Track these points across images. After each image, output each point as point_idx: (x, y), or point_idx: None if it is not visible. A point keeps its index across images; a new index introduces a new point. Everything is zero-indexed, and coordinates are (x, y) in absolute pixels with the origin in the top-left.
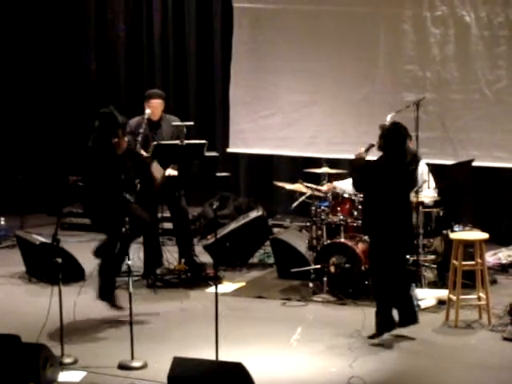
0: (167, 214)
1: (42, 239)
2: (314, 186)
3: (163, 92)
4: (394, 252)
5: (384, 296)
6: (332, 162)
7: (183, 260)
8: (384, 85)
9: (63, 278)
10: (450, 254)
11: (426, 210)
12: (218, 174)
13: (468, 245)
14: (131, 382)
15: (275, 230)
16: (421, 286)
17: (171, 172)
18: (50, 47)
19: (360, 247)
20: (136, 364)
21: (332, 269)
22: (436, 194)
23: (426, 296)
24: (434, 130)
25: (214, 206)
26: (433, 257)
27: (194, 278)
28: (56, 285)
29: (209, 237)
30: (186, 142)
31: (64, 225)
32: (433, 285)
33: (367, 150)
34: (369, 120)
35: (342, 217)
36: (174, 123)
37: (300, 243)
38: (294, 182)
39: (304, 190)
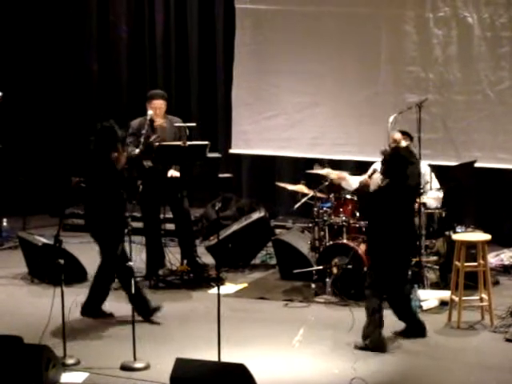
0: (169, 215)
1: (45, 240)
2: (324, 173)
3: (165, 93)
4: (396, 271)
5: (378, 310)
6: (335, 163)
7: (185, 261)
8: (386, 86)
9: (65, 279)
10: (453, 255)
11: (429, 211)
12: (221, 175)
13: (470, 246)
14: (134, 383)
15: (277, 231)
16: (423, 287)
17: (173, 173)
18: (52, 48)
19: (362, 248)
20: (138, 365)
21: (334, 270)
22: (440, 195)
23: (428, 297)
24: (436, 131)
25: (217, 207)
26: (435, 258)
27: (196, 279)
28: (58, 286)
29: (211, 238)
30: (189, 143)
31: (66, 226)
32: (435, 286)
33: (370, 176)
34: (371, 121)
35: (344, 218)
36: (177, 124)
37: (302, 244)
38: (296, 182)
39: (306, 191)
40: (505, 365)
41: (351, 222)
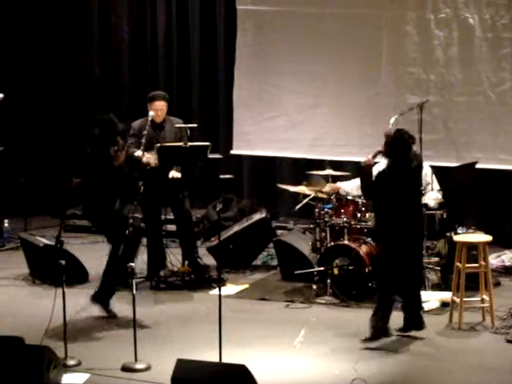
0: (171, 216)
1: (46, 241)
2: (317, 188)
3: (167, 94)
4: (410, 257)
5: (391, 303)
6: (335, 164)
7: (187, 262)
8: (387, 87)
9: (67, 280)
10: (454, 256)
11: (430, 212)
12: (222, 176)
13: (472, 247)
14: None
15: (279, 232)
16: (424, 289)
17: (175, 174)
18: (54, 50)
19: (364, 249)
20: (139, 366)
21: (335, 271)
22: (440, 196)
23: (429, 298)
24: (437, 132)
25: (218, 208)
26: (436, 259)
27: (197, 280)
28: (59, 287)
29: (212, 239)
30: (190, 143)
31: (67, 227)
32: (436, 287)
33: (374, 157)
34: (372, 122)
35: (345, 219)
36: (178, 125)
37: (303, 245)
38: (297, 184)
39: (307, 192)
40: (506, 366)
41: (352, 223)
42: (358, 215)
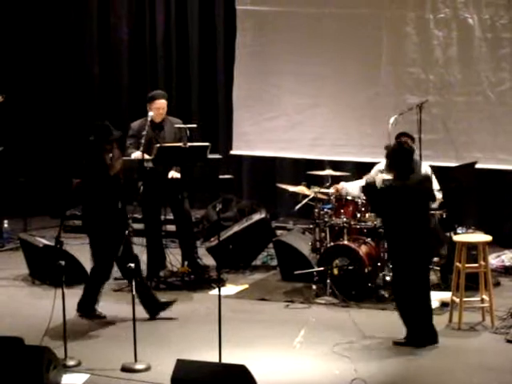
0: (170, 217)
1: (46, 242)
2: (322, 190)
3: (166, 93)
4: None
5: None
6: (335, 164)
7: (186, 262)
8: (387, 87)
9: (66, 281)
10: (454, 256)
11: (430, 212)
12: (221, 177)
13: (471, 247)
14: None
15: (278, 232)
16: None
17: (174, 174)
18: (53, 50)
19: (363, 249)
20: (139, 366)
21: (335, 271)
22: (440, 196)
23: None
24: (437, 132)
25: (217, 209)
26: (436, 259)
27: (197, 280)
28: (59, 287)
29: (212, 239)
30: (189, 144)
31: (67, 227)
32: (436, 287)
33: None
34: (372, 122)
35: (345, 219)
36: (177, 125)
37: (303, 245)
38: (297, 184)
39: (307, 192)
40: (506, 366)
41: (352, 223)
42: (358, 215)
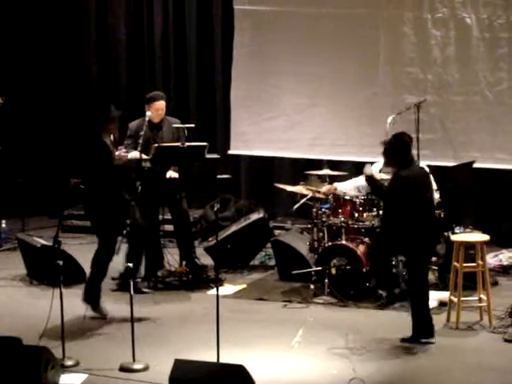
0: (168, 216)
1: (43, 242)
2: (314, 188)
3: (164, 94)
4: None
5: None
6: (333, 164)
7: (184, 262)
8: (385, 87)
9: (64, 281)
10: (451, 255)
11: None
12: (219, 176)
13: (469, 246)
14: None
15: (276, 232)
16: None
17: (172, 174)
18: (51, 50)
19: (361, 249)
20: (137, 366)
21: (333, 271)
22: (438, 196)
23: None
24: (434, 131)
25: (215, 208)
26: (434, 258)
27: (195, 280)
28: (57, 287)
29: (210, 239)
30: (187, 144)
31: (65, 227)
32: (434, 286)
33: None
34: (370, 122)
35: (343, 219)
36: (175, 125)
37: (301, 245)
38: (295, 184)
39: (305, 192)
40: (504, 365)
41: (350, 222)
42: (356, 215)
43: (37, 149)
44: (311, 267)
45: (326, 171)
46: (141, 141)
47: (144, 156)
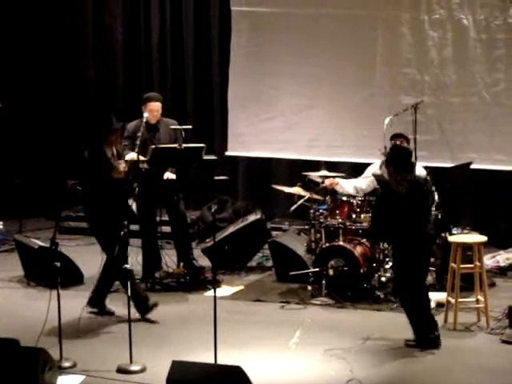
0: (166, 218)
1: (41, 243)
2: (316, 181)
3: (161, 95)
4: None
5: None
6: (331, 165)
7: (182, 263)
8: (382, 88)
9: (62, 282)
10: (449, 256)
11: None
12: (216, 178)
13: (466, 248)
14: None
15: (274, 233)
16: None
17: (169, 175)
18: (48, 52)
19: (358, 250)
20: (135, 368)
21: (330, 272)
22: (436, 197)
23: None
24: (432, 132)
25: (213, 210)
26: (431, 260)
27: (192, 281)
28: (54, 289)
29: (207, 240)
30: (184, 145)
31: (62, 229)
32: (431, 288)
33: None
34: (367, 123)
35: (340, 220)
36: (172, 127)
37: (298, 246)
38: (292, 185)
39: (303, 193)
40: (501, 366)
41: (347, 223)
42: (353, 216)
43: (34, 150)
44: (309, 268)
45: (323, 172)
46: (138, 142)
47: (141, 157)
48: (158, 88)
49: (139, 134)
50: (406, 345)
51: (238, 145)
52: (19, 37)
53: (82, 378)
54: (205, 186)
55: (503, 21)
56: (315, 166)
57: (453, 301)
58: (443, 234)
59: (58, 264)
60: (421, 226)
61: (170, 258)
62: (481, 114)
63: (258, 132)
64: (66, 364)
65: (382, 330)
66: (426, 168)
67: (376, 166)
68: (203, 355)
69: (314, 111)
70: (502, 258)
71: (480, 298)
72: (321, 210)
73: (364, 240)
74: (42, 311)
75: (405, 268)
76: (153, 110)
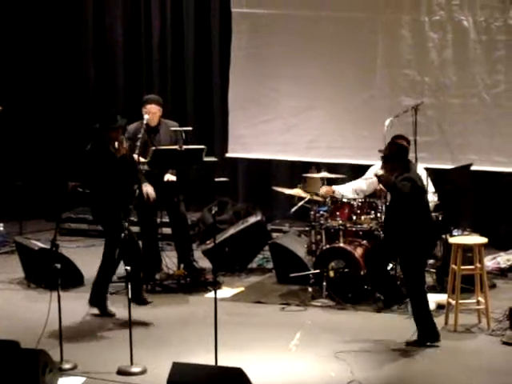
0: (166, 220)
1: (41, 245)
2: (312, 190)
3: (160, 97)
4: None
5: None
6: (330, 167)
7: (182, 265)
8: (382, 89)
9: (62, 284)
10: (449, 258)
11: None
12: (217, 179)
13: (467, 249)
14: None
15: (274, 234)
16: None
17: (170, 177)
18: (48, 53)
19: (359, 252)
20: (135, 369)
21: (331, 273)
22: (436, 198)
23: None
24: (432, 134)
25: (213, 211)
26: (432, 261)
27: (193, 283)
28: (55, 290)
29: (208, 242)
30: (185, 147)
31: (63, 230)
32: (432, 289)
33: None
34: (367, 124)
35: (340, 221)
36: (173, 128)
37: (299, 248)
38: (292, 186)
39: (303, 194)
40: (502, 368)
41: (348, 225)
42: (354, 218)
43: (35, 152)
44: (309, 270)
45: (323, 174)
46: (138, 143)
47: (142, 159)
48: (158, 89)
49: (139, 136)
50: (407, 344)
51: (239, 146)
52: (19, 38)
53: (82, 379)
54: (205, 187)
55: (503, 22)
56: (315, 167)
57: (453, 302)
58: (444, 236)
59: (59, 265)
60: (427, 219)
61: (170, 260)
62: (481, 115)
63: (258, 133)
64: (67, 366)
65: (383, 332)
66: (426, 169)
67: (378, 167)
68: (204, 357)
69: (314, 113)
70: (503, 259)
71: (480, 299)
72: (321, 212)
73: (364, 241)
74: (42, 313)
75: (410, 260)
76: (150, 111)
